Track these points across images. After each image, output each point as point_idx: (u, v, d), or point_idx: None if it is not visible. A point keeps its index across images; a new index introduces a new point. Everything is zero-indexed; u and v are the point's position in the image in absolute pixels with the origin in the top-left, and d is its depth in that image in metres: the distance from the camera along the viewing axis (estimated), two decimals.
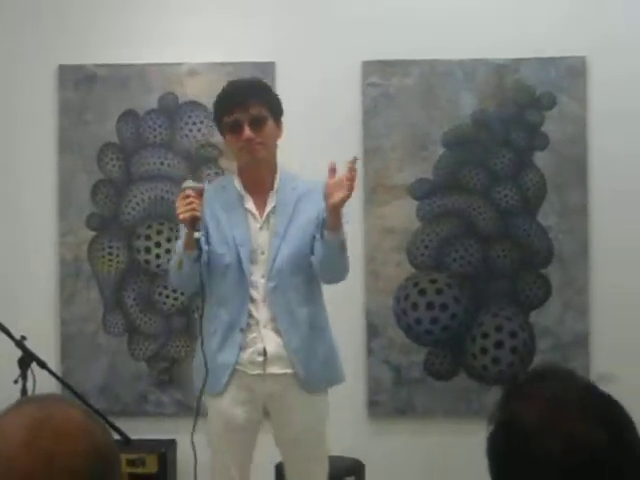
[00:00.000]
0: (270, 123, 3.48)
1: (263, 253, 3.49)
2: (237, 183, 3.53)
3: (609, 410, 1.59)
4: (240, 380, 3.47)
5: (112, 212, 4.56)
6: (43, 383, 3.60)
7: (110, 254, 4.55)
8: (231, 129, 3.46)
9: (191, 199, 3.30)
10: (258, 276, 3.48)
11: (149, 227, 4.55)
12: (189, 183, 3.39)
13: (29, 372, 3.60)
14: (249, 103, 3.44)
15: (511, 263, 4.46)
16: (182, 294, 4.51)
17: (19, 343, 3.60)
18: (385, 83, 4.49)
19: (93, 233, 4.55)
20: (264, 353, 3.46)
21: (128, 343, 4.55)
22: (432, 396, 4.45)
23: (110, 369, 4.54)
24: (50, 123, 4.58)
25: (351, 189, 3.28)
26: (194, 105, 4.55)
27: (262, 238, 3.49)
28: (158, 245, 4.55)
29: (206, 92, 4.52)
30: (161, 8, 4.59)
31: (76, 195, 4.55)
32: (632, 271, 4.42)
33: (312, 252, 3.47)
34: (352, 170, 3.28)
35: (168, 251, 4.52)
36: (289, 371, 3.48)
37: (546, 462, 1.53)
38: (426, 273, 4.47)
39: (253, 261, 3.48)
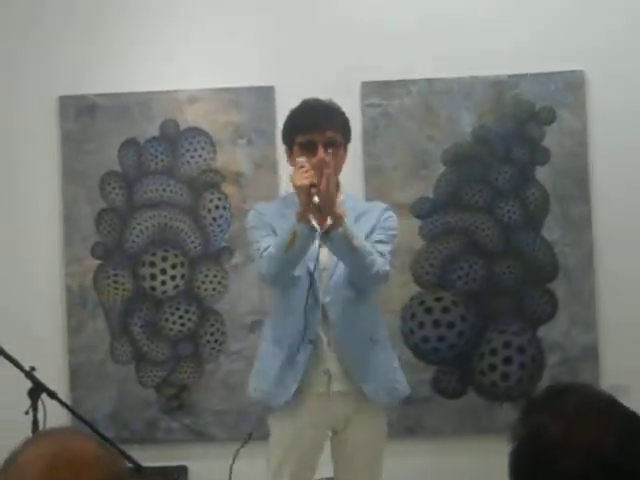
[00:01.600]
0: (341, 147, 3.61)
1: (325, 269, 3.57)
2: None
3: (632, 423, 1.63)
4: (306, 400, 3.55)
5: (116, 240, 4.65)
6: (54, 413, 3.69)
7: (115, 282, 4.65)
8: (304, 148, 3.54)
9: (305, 168, 3.42)
10: (320, 293, 3.55)
11: (154, 254, 4.64)
12: (301, 161, 3.48)
13: (39, 403, 3.69)
14: (326, 125, 3.55)
15: (516, 279, 4.54)
16: (189, 320, 4.61)
17: (29, 374, 3.69)
18: (384, 103, 4.58)
19: (98, 262, 4.65)
20: (328, 372, 3.53)
21: (136, 370, 4.64)
22: (442, 414, 4.53)
23: (119, 397, 4.63)
24: (52, 154, 4.69)
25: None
26: (195, 131, 4.65)
27: (324, 254, 3.56)
28: (163, 272, 4.64)
29: (207, 118, 4.64)
30: (159, 35, 4.69)
31: (80, 224, 4.65)
32: (638, 282, 4.49)
33: None
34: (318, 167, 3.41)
35: (173, 277, 4.62)
36: (352, 387, 3.55)
37: (572, 475, 1.56)
38: (432, 291, 4.56)
39: (318, 275, 3.55)
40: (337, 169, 3.59)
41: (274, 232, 3.58)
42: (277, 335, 3.58)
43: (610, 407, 1.65)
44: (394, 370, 3.69)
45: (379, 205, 3.74)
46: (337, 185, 3.60)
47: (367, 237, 3.57)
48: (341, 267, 3.55)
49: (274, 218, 3.61)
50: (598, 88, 4.54)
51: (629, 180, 4.52)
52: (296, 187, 3.44)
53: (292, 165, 3.63)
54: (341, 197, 3.63)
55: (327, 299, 3.54)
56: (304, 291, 3.52)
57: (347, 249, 3.44)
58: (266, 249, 3.51)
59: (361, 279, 3.57)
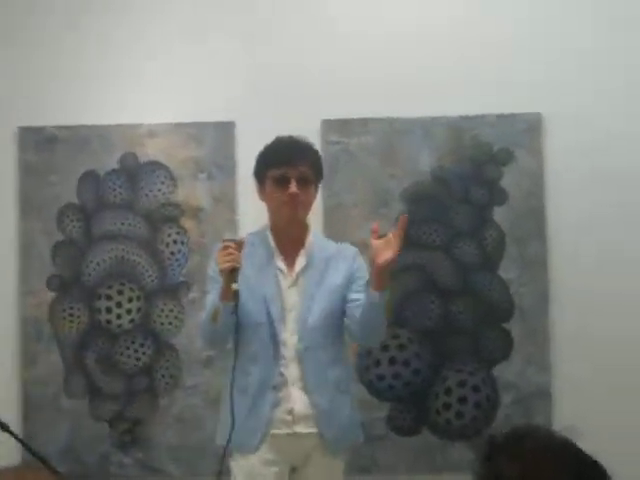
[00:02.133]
0: (313, 184, 3.68)
1: (291, 311, 3.63)
2: (271, 239, 3.66)
3: (586, 467, 1.69)
4: (270, 439, 3.59)
5: (73, 273, 4.65)
6: (6, 446, 3.67)
7: (71, 315, 4.65)
8: (277, 183, 3.61)
9: (231, 250, 3.45)
10: (287, 334, 3.61)
11: (110, 287, 4.65)
12: (228, 236, 3.56)
13: None
14: (299, 161, 3.64)
15: (473, 318, 4.59)
16: (144, 354, 4.61)
17: None
18: (345, 141, 4.64)
19: (54, 294, 4.64)
20: (292, 412, 3.57)
21: (90, 404, 4.63)
22: (396, 452, 4.56)
23: (72, 431, 4.61)
24: (10, 185, 4.69)
25: (398, 248, 3.44)
26: (155, 165, 4.67)
27: (291, 296, 3.65)
28: (119, 305, 4.64)
29: (166, 152, 4.67)
30: (119, 68, 4.72)
31: (36, 256, 4.65)
32: (592, 323, 4.56)
33: (344, 314, 3.65)
34: (401, 228, 3.47)
35: (129, 311, 4.63)
36: (314, 430, 3.61)
37: None
38: (388, 328, 4.57)
39: (282, 319, 3.62)
40: (307, 206, 3.69)
41: None
42: (240, 383, 3.60)
43: (565, 450, 1.70)
44: (355, 420, 3.77)
45: (350, 250, 3.80)
46: (306, 226, 3.67)
47: (346, 286, 3.65)
48: (315, 313, 3.61)
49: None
50: (555, 130, 4.62)
51: (584, 221, 4.59)
52: (219, 268, 3.48)
53: (262, 200, 3.70)
54: (310, 239, 3.68)
55: (303, 344, 3.58)
56: (265, 338, 3.57)
57: (381, 313, 3.53)
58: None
59: (374, 337, 3.73)
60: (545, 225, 4.59)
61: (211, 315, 3.54)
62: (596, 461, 1.70)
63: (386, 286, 3.49)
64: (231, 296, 3.45)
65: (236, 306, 3.46)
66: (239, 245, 3.50)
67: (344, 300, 3.67)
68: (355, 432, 3.77)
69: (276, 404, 3.59)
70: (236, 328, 3.52)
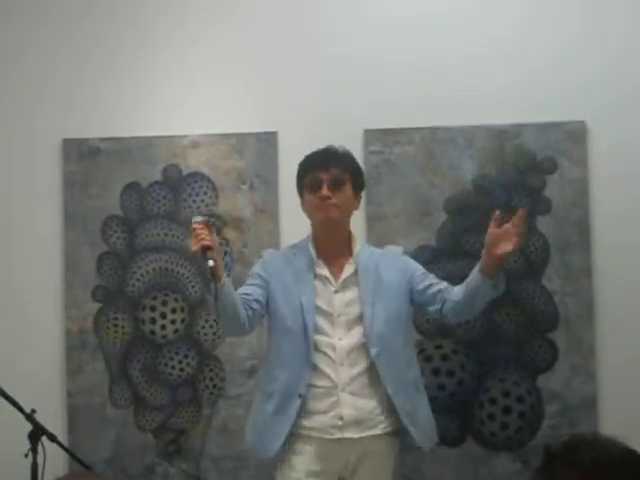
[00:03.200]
0: (348, 188, 3.75)
1: (339, 316, 3.69)
2: (311, 248, 3.74)
3: None
4: (315, 447, 3.65)
5: (117, 284, 4.73)
6: (53, 456, 3.74)
7: (115, 325, 4.72)
8: (310, 187, 3.70)
9: (198, 231, 3.50)
10: (335, 339, 3.67)
11: (154, 298, 4.72)
12: (195, 218, 3.59)
13: (39, 445, 3.74)
14: (331, 164, 3.72)
15: (517, 327, 4.62)
16: (188, 364, 4.67)
17: (29, 417, 3.75)
18: (387, 150, 4.68)
19: (98, 305, 4.73)
20: (342, 417, 3.62)
21: (134, 415, 4.70)
22: (440, 463, 4.59)
23: (117, 441, 4.70)
24: (55, 197, 4.79)
25: (519, 243, 3.55)
26: (197, 176, 4.74)
27: (338, 301, 3.70)
28: (163, 316, 4.71)
29: (209, 163, 4.74)
30: (162, 81, 4.81)
31: (81, 268, 4.74)
32: (638, 333, 4.57)
33: (410, 311, 3.79)
34: (520, 218, 3.56)
35: (173, 322, 4.69)
36: (364, 434, 3.65)
37: None
38: (432, 339, 4.62)
39: (329, 324, 3.68)
40: (342, 208, 3.74)
41: (266, 284, 3.68)
42: (268, 387, 3.67)
43: (626, 458, 1.70)
44: (432, 417, 3.89)
45: (394, 249, 3.91)
46: (349, 234, 3.73)
47: (405, 283, 3.77)
48: (380, 318, 3.69)
49: (280, 267, 3.73)
50: (599, 138, 4.64)
51: (630, 230, 4.60)
52: (193, 252, 3.53)
53: (304, 212, 3.75)
54: (357, 247, 3.74)
55: (374, 350, 3.63)
56: (297, 344, 3.62)
57: (488, 296, 3.67)
58: None
59: (472, 314, 3.87)
60: (589, 235, 4.61)
61: (214, 303, 3.56)
62: None
63: (497, 275, 3.60)
64: (209, 274, 3.48)
65: (215, 287, 3.47)
66: (205, 224, 3.54)
67: (406, 298, 3.77)
68: (434, 431, 3.89)
69: (314, 412, 3.64)
70: (251, 320, 3.61)
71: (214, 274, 3.46)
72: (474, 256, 4.58)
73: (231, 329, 3.72)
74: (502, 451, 4.58)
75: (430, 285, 3.75)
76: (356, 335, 3.67)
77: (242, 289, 3.73)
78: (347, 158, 3.81)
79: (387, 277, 3.74)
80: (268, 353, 3.79)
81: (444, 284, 3.79)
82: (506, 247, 3.53)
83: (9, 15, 4.88)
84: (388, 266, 3.77)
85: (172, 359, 4.71)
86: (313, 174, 3.71)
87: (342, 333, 3.67)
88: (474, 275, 3.61)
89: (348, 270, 3.75)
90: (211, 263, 3.45)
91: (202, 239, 3.48)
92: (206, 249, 3.48)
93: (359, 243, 3.83)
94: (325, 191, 3.67)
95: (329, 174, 3.69)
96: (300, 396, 3.63)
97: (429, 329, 4.62)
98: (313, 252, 3.76)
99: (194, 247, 3.50)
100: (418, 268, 3.82)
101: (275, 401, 3.65)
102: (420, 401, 3.77)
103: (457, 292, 3.68)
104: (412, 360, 3.81)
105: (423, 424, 3.74)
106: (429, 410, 3.85)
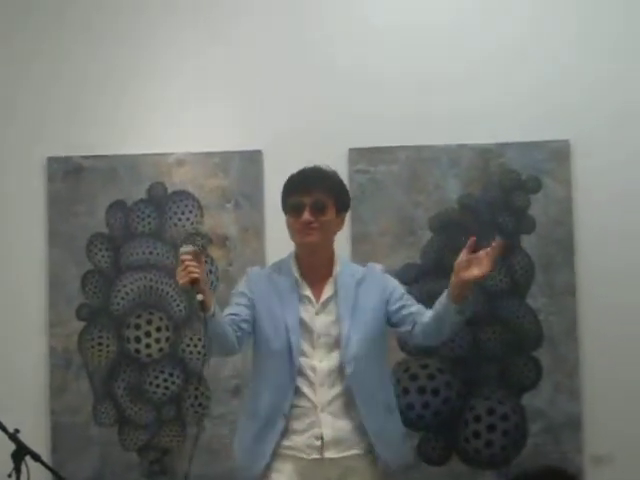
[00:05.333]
0: (331, 211, 3.77)
1: (319, 338, 3.73)
2: (294, 267, 3.78)
3: None
4: (295, 467, 3.69)
5: (102, 302, 4.78)
6: (37, 476, 3.78)
7: (100, 344, 4.77)
8: (292, 210, 3.73)
9: (186, 263, 3.52)
10: (316, 360, 3.71)
11: (139, 317, 4.77)
12: (184, 248, 3.61)
13: (23, 465, 3.77)
14: (314, 188, 3.74)
15: (501, 346, 4.68)
16: (172, 383, 4.72)
17: (13, 436, 3.78)
18: (372, 169, 4.74)
19: (83, 323, 4.77)
20: (321, 437, 3.65)
21: (119, 433, 4.75)
22: None
23: (101, 460, 4.75)
24: (39, 215, 4.84)
25: (489, 268, 3.57)
26: (182, 195, 4.80)
27: (319, 323, 3.75)
28: (148, 335, 4.76)
29: (194, 181, 4.80)
30: (147, 99, 4.87)
31: (66, 286, 4.80)
32: (621, 352, 4.64)
33: (384, 334, 3.80)
34: (495, 249, 3.60)
35: (158, 340, 4.74)
36: (347, 454, 3.69)
37: None
38: (417, 358, 4.68)
39: (310, 346, 3.73)
40: (324, 231, 3.76)
41: (252, 304, 3.73)
42: (250, 407, 3.72)
43: None
44: (405, 438, 3.91)
45: (375, 269, 3.91)
46: (332, 254, 3.77)
47: (381, 305, 3.79)
48: (355, 338, 3.72)
49: (264, 287, 3.77)
50: (583, 157, 4.71)
51: (614, 249, 4.67)
52: (180, 285, 3.55)
53: (289, 230, 3.79)
54: (337, 269, 3.77)
55: (349, 370, 3.68)
56: (282, 366, 3.66)
57: (454, 321, 3.66)
58: None
59: (439, 339, 3.82)
60: (573, 254, 4.67)
61: (204, 330, 3.59)
62: None
63: (464, 300, 3.61)
64: (199, 308, 3.51)
65: (205, 318, 3.50)
66: (195, 255, 3.56)
67: (383, 319, 3.80)
68: (408, 451, 3.95)
69: (293, 432, 3.69)
70: (240, 341, 3.66)
71: (203, 307, 3.50)
72: None
73: (222, 351, 3.77)
74: (487, 469, 4.65)
75: (403, 306, 3.79)
76: (335, 357, 3.72)
77: (230, 309, 3.78)
78: (331, 180, 3.82)
79: (366, 298, 3.78)
80: (253, 373, 3.83)
81: (417, 306, 3.82)
82: (474, 272, 3.57)
83: None
84: (368, 286, 3.80)
85: (157, 378, 4.76)
86: (295, 197, 3.73)
87: (322, 355, 3.72)
88: (442, 299, 3.65)
89: (328, 292, 3.78)
90: (200, 297, 3.48)
91: (191, 272, 3.50)
92: (194, 282, 3.50)
93: (340, 263, 3.84)
94: (307, 216, 3.69)
95: (312, 198, 3.71)
96: (284, 416, 3.67)
97: (414, 348, 4.67)
98: (296, 272, 3.79)
99: (182, 280, 3.50)
100: (397, 288, 3.84)
101: (260, 421, 3.69)
102: (391, 421, 3.79)
103: (427, 315, 3.72)
104: (385, 380, 3.84)
105: (393, 444, 3.76)
106: (401, 430, 3.87)
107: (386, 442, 3.72)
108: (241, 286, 3.86)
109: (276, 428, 3.67)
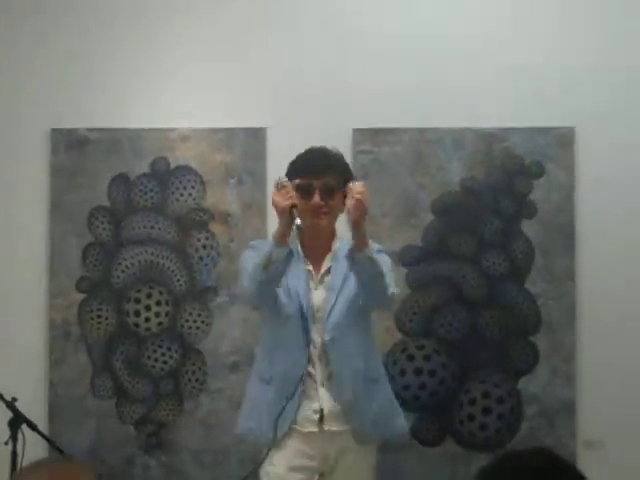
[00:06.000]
0: (339, 195, 3.82)
1: (318, 311, 3.79)
2: (297, 244, 3.84)
3: None
4: (295, 441, 3.73)
5: (102, 275, 4.80)
6: (33, 445, 3.81)
7: (99, 317, 4.79)
8: (302, 192, 3.75)
9: (288, 188, 3.64)
10: (316, 334, 3.74)
11: (139, 290, 4.79)
12: (283, 178, 3.71)
13: (19, 434, 3.81)
14: (324, 171, 3.79)
15: (499, 330, 4.71)
16: (171, 357, 4.75)
17: (10, 405, 3.83)
18: (375, 150, 4.76)
19: (83, 296, 4.80)
20: (320, 411, 3.69)
21: (116, 406, 4.78)
22: (419, 462, 4.68)
23: (98, 432, 4.78)
24: (42, 186, 4.86)
25: (360, 208, 3.62)
26: (185, 170, 4.82)
27: (318, 297, 3.80)
28: (148, 308, 4.79)
29: (197, 157, 4.81)
30: (153, 74, 4.88)
31: (66, 258, 4.82)
32: (619, 338, 4.68)
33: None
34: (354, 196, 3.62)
35: (157, 314, 4.77)
36: (346, 427, 3.74)
37: None
38: (414, 339, 4.71)
39: (312, 320, 3.77)
40: (332, 215, 3.83)
41: None
42: (267, 373, 3.74)
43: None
44: (389, 411, 3.91)
45: (373, 246, 3.91)
46: (333, 232, 3.80)
47: None
48: (338, 307, 3.74)
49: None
50: (587, 144, 4.73)
51: (614, 236, 4.70)
52: (278, 208, 3.66)
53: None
54: (337, 244, 3.81)
55: (327, 337, 3.71)
56: (295, 330, 3.69)
57: (372, 270, 3.66)
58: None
59: (376, 301, 3.81)
60: (574, 239, 4.70)
61: (264, 264, 3.65)
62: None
63: (364, 243, 3.66)
64: (288, 236, 3.63)
65: (290, 252, 3.63)
66: (292, 187, 3.67)
67: None
68: (388, 424, 3.90)
69: (303, 398, 3.72)
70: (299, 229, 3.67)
71: (300, 230, 3.65)
72: (459, 257, 4.71)
73: (265, 295, 3.77)
74: (481, 452, 4.68)
75: None
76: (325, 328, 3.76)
77: (253, 255, 3.82)
78: (340, 164, 3.87)
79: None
80: (266, 339, 3.84)
81: None
82: (356, 213, 3.64)
83: None
84: None
85: (155, 352, 4.79)
86: (305, 180, 3.76)
87: (320, 329, 3.75)
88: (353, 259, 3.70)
89: (325, 266, 3.83)
90: (298, 221, 3.61)
91: (292, 197, 3.62)
92: (293, 207, 3.62)
93: (341, 239, 3.88)
94: (317, 199, 3.74)
95: (321, 182, 3.76)
96: (301, 380, 3.69)
97: (412, 328, 4.71)
98: (299, 248, 3.83)
99: (284, 203, 3.61)
100: (379, 253, 3.87)
101: (273, 387, 3.72)
102: (370, 391, 3.81)
103: None
104: (368, 351, 3.84)
105: (369, 416, 3.78)
106: (383, 404, 3.88)
107: (357, 412, 3.74)
108: (247, 250, 3.91)
109: (292, 399, 3.69)
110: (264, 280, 3.67)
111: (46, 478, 1.64)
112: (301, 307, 3.74)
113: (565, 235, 4.72)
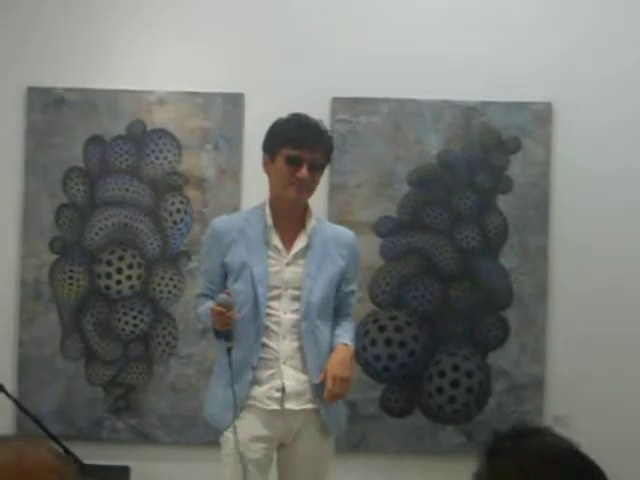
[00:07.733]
0: (322, 171, 3.82)
1: (287, 289, 3.76)
2: (268, 215, 3.78)
3: (589, 473, 1.79)
4: (257, 416, 3.74)
5: (75, 236, 4.79)
6: (0, 405, 3.80)
7: (71, 278, 4.78)
8: (289, 163, 3.72)
9: (226, 315, 3.59)
10: (281, 312, 3.75)
11: (111, 253, 4.79)
12: (221, 299, 3.63)
13: None
14: (315, 146, 3.76)
15: (471, 303, 4.73)
16: (141, 321, 4.76)
17: None
18: (354, 120, 4.76)
19: (55, 256, 4.78)
20: (282, 389, 3.69)
21: (85, 368, 4.78)
22: (387, 432, 4.71)
23: (66, 393, 4.79)
24: (16, 145, 4.83)
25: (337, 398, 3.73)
26: (162, 133, 4.80)
27: (288, 274, 3.78)
28: (119, 271, 4.78)
29: (174, 121, 4.81)
30: (133, 36, 4.87)
31: (40, 218, 4.80)
32: (590, 316, 4.72)
33: (336, 300, 3.87)
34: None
35: (129, 277, 4.77)
36: (308, 407, 3.75)
37: None
38: (386, 310, 4.71)
39: (276, 297, 3.76)
40: (312, 191, 3.82)
41: (221, 260, 3.77)
42: (222, 360, 3.73)
43: (570, 456, 1.78)
44: (342, 405, 3.93)
45: (347, 236, 3.91)
46: (307, 206, 3.78)
47: (340, 276, 3.83)
48: (316, 294, 3.76)
49: (231, 234, 3.75)
50: (565, 121, 4.75)
51: (588, 214, 4.73)
52: (216, 325, 3.64)
53: (266, 172, 3.77)
54: (313, 222, 3.78)
55: (304, 324, 3.73)
56: (248, 317, 3.69)
57: None
58: (200, 296, 3.86)
59: None
60: (548, 216, 4.72)
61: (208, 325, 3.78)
62: (599, 468, 1.77)
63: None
64: (226, 350, 3.65)
65: (229, 350, 3.64)
66: (230, 307, 3.62)
67: (338, 286, 3.85)
68: (342, 415, 3.93)
69: (259, 382, 3.74)
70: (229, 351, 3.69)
71: (228, 352, 3.65)
72: (434, 229, 4.73)
73: None
74: (448, 424, 4.70)
75: (343, 295, 3.88)
76: (299, 310, 3.75)
77: (206, 277, 3.85)
78: (327, 140, 3.85)
79: (329, 263, 3.81)
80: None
81: (347, 306, 3.92)
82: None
83: None
84: (333, 253, 3.83)
85: (126, 315, 4.79)
86: (295, 150, 3.72)
87: (287, 306, 3.76)
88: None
89: (300, 244, 3.81)
90: (230, 345, 3.63)
91: (227, 324, 3.61)
92: (228, 331, 3.63)
93: (316, 218, 3.85)
94: (304, 172, 3.71)
95: (311, 156, 3.73)
96: (253, 368, 3.70)
97: (385, 300, 4.72)
98: (270, 221, 3.79)
99: (221, 329, 3.62)
100: (352, 268, 3.90)
101: (229, 374, 3.72)
102: None
103: (336, 328, 3.85)
104: (333, 342, 3.86)
105: (336, 405, 3.82)
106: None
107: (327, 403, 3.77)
108: (208, 241, 3.88)
109: (244, 380, 3.70)
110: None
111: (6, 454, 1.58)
112: (255, 292, 3.72)
113: (539, 211, 4.74)
